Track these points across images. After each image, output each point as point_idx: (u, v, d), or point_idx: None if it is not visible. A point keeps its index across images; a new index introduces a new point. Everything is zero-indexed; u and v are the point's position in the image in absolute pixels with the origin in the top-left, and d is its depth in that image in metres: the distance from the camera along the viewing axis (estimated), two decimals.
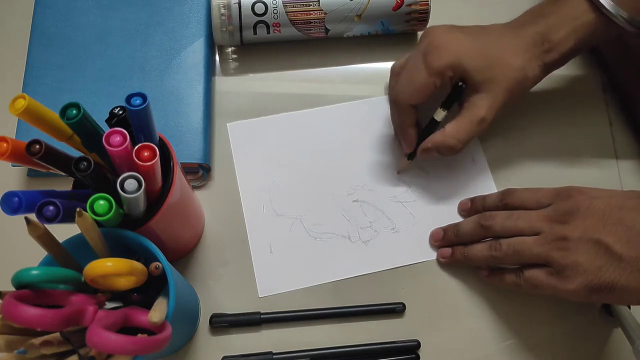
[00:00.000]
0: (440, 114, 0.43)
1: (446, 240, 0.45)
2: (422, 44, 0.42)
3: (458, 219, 0.46)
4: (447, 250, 0.44)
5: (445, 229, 0.45)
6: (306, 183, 0.47)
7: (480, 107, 0.41)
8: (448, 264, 0.45)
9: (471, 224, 0.43)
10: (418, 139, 0.45)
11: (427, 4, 0.49)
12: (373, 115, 0.50)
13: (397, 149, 0.48)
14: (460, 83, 0.42)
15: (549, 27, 0.41)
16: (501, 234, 0.41)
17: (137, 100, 0.31)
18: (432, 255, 0.45)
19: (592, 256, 0.36)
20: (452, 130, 0.42)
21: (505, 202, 0.43)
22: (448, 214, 0.46)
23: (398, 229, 0.46)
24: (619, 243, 0.35)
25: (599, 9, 0.40)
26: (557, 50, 0.41)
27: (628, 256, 0.34)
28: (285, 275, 0.44)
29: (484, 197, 0.45)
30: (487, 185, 0.48)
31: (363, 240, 0.46)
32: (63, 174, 0.31)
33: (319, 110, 0.50)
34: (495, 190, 0.47)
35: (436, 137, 0.42)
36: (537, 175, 0.48)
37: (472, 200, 0.46)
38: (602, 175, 0.49)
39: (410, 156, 0.46)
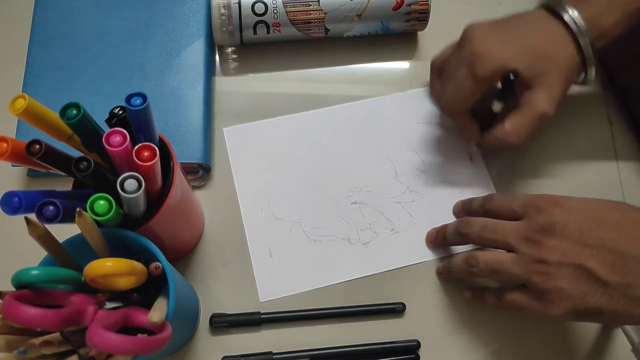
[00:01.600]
0: (498, 106, 0.44)
1: (436, 242, 0.45)
2: (464, 51, 0.42)
3: (455, 219, 0.46)
4: (440, 266, 0.44)
5: (437, 231, 0.45)
6: (304, 186, 0.47)
7: (539, 102, 0.40)
8: (444, 281, 0.45)
9: (452, 230, 0.42)
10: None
11: (427, 4, 0.49)
12: (369, 117, 0.50)
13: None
14: (511, 77, 0.42)
15: (598, 13, 0.39)
16: (477, 243, 0.40)
17: (137, 100, 0.31)
18: (432, 255, 0.45)
19: (574, 281, 0.34)
20: (512, 128, 0.41)
21: (485, 208, 0.42)
22: (446, 214, 0.46)
23: (397, 229, 0.46)
24: (602, 268, 0.33)
25: None
26: (606, 37, 0.40)
27: (614, 282, 0.33)
28: (286, 279, 0.44)
29: (471, 201, 0.44)
30: (484, 185, 0.48)
31: (363, 242, 0.45)
32: (63, 174, 0.31)
33: (314, 113, 0.50)
34: (494, 189, 0.47)
35: (497, 133, 0.42)
36: (536, 175, 0.48)
37: (463, 203, 0.46)
38: (601, 175, 0.49)
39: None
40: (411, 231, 0.46)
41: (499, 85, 0.45)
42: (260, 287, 0.44)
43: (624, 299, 0.33)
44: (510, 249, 0.37)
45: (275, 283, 0.44)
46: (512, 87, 0.43)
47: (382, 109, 0.50)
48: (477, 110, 0.45)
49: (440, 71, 0.47)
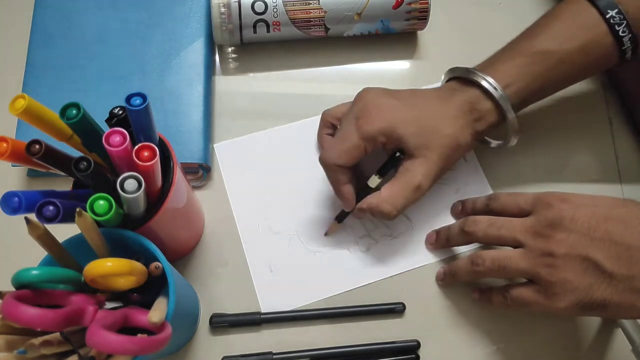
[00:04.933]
0: (374, 181, 0.42)
1: (438, 244, 0.45)
2: (355, 106, 0.42)
3: (453, 220, 0.46)
4: (440, 272, 0.44)
5: (437, 232, 0.45)
6: (299, 197, 0.47)
7: (416, 173, 0.40)
8: (445, 287, 0.44)
9: (456, 229, 0.42)
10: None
11: (427, 3, 0.49)
12: None
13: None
14: (397, 153, 0.41)
15: (475, 97, 0.41)
16: (483, 241, 0.40)
17: (137, 100, 0.31)
18: (432, 258, 0.45)
19: (581, 273, 0.34)
20: (387, 195, 0.40)
21: (490, 207, 0.42)
22: (444, 215, 0.46)
23: (396, 235, 0.46)
24: (608, 260, 0.34)
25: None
26: (485, 120, 0.41)
27: (619, 274, 0.34)
28: (287, 293, 0.44)
29: (473, 201, 0.44)
30: (481, 185, 0.47)
31: (362, 250, 0.45)
32: (63, 174, 0.31)
33: (304, 123, 0.49)
34: (490, 190, 0.47)
35: (372, 200, 0.41)
36: (534, 175, 0.48)
37: (463, 203, 0.46)
38: (601, 175, 0.48)
39: (340, 218, 0.45)
40: (410, 235, 0.46)
41: (383, 160, 0.43)
42: (263, 303, 0.43)
43: (629, 291, 0.34)
44: (517, 245, 0.37)
45: (277, 298, 0.43)
46: (395, 164, 0.42)
47: None
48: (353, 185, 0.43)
49: (329, 124, 0.46)
